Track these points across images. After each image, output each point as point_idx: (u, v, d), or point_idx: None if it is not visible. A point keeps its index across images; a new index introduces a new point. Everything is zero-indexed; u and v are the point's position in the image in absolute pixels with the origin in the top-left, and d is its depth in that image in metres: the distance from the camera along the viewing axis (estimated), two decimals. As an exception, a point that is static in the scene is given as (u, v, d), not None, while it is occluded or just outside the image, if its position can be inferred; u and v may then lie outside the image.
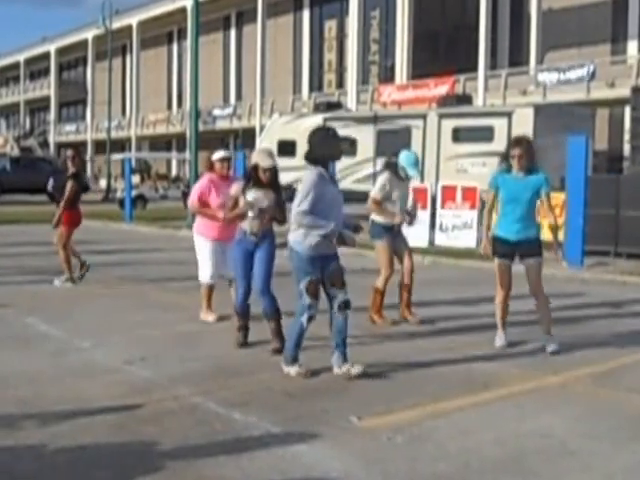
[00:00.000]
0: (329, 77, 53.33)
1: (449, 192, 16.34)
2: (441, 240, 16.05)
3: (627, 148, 20.57)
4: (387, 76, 47.29)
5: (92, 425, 4.88)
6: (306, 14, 54.55)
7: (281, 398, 5.51)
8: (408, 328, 8.04)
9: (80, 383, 5.89)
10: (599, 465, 4.41)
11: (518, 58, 44.06)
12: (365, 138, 22.47)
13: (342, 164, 18.22)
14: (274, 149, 23.50)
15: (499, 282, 7.17)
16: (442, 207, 16.35)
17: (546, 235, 14.27)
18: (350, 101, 43.46)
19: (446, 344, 7.31)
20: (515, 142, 7.20)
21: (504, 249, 7.07)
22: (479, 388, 5.80)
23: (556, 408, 5.39)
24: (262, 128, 39.46)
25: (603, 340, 7.55)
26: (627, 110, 26.36)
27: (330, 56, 53.30)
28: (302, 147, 22.74)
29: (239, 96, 59.67)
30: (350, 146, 21.22)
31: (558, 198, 14.55)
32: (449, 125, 21.36)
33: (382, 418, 5.08)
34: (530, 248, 7.04)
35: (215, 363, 6.53)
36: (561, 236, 13.57)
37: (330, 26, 53.03)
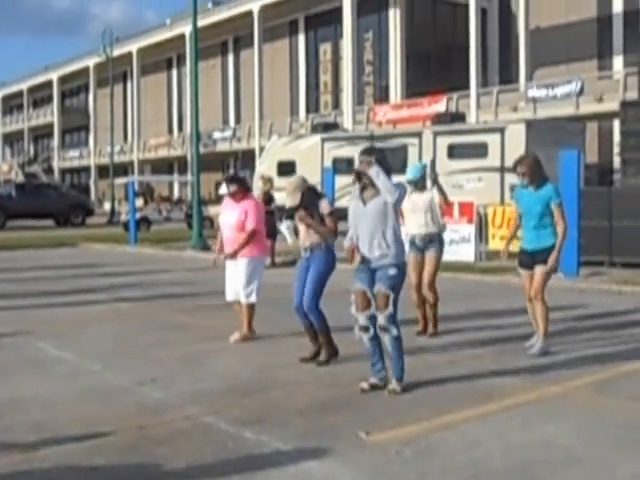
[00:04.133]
0: (325, 98, 53.53)
1: (447, 208, 16.32)
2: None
3: (617, 161, 20.62)
4: (382, 96, 47.50)
5: (105, 447, 4.83)
6: (301, 38, 54.85)
7: (291, 415, 5.46)
8: (414, 342, 8.03)
9: (92, 405, 5.85)
10: (605, 473, 4.37)
11: (508, 75, 44.31)
12: (361, 156, 22.46)
13: (341, 183, 18.26)
14: (274, 170, 23.60)
15: (526, 289, 7.47)
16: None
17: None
18: (346, 121, 43.60)
19: (450, 358, 7.29)
20: (518, 160, 7.48)
21: (524, 258, 7.41)
22: (483, 400, 5.77)
23: (559, 418, 5.37)
24: (261, 149, 39.57)
25: (602, 349, 7.53)
26: (616, 124, 26.45)
27: (326, 78, 53.53)
28: (301, 167, 23.06)
29: (238, 119, 59.87)
30: (348, 165, 21.25)
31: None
32: (444, 142, 21.44)
33: (390, 432, 5.04)
34: (542, 257, 7.22)
35: (226, 382, 6.50)
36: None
37: (325, 49, 53.30)
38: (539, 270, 7.21)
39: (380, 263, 5.92)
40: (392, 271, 5.90)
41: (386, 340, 5.93)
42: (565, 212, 7.40)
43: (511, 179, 19.79)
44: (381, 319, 5.87)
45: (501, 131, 20.55)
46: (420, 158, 21.10)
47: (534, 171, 7.22)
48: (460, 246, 15.76)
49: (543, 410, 5.56)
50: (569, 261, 13.05)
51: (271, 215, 13.13)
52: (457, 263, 14.72)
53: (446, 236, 15.84)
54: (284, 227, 7.33)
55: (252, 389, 6.26)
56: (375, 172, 5.85)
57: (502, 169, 19.67)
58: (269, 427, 5.17)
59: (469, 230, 15.77)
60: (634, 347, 7.64)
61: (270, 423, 5.27)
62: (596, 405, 5.74)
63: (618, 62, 39.89)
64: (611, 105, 28.10)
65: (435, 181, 8.61)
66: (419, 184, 8.39)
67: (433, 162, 20.42)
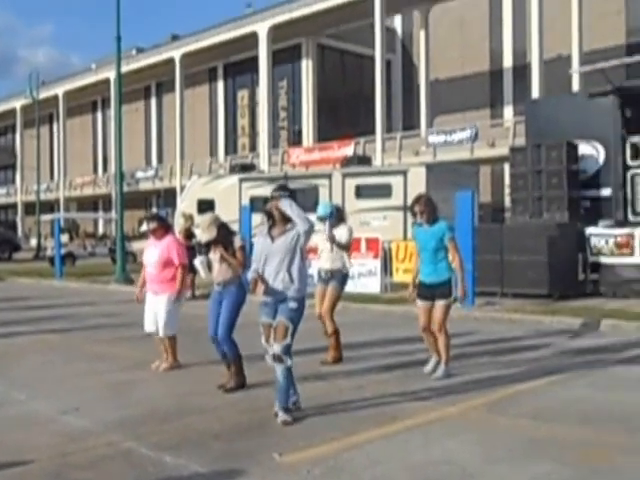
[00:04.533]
0: (243, 141, 53.60)
1: (355, 243, 16.44)
2: (349, 287, 16.14)
3: (508, 200, 21.26)
4: (295, 140, 47.87)
5: (29, 474, 4.71)
6: (220, 84, 54.92)
7: (208, 439, 5.42)
8: (325, 369, 8.08)
9: (17, 434, 5.69)
10: (496, 486, 4.52)
11: (410, 122, 45.32)
12: (277, 196, 22.53)
13: (257, 220, 18.23)
14: (194, 207, 23.42)
15: (420, 320, 7.51)
16: (348, 257, 16.52)
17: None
18: (263, 163, 43.75)
19: (358, 382, 7.34)
20: (415, 200, 7.60)
21: (423, 291, 7.47)
22: (388, 421, 5.85)
23: (456, 435, 5.48)
24: (182, 188, 39.25)
25: (494, 372, 7.71)
26: (506, 167, 27.25)
27: (243, 122, 53.63)
28: (220, 205, 22.95)
29: (160, 159, 59.26)
30: (264, 204, 21.21)
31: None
32: (352, 183, 21.71)
33: (302, 453, 5.06)
34: (440, 290, 7.34)
35: (147, 409, 6.39)
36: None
37: (243, 95, 53.48)
38: (440, 304, 7.32)
39: (283, 296, 5.93)
40: (293, 304, 5.92)
41: (278, 370, 5.88)
42: (458, 246, 7.61)
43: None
44: (277, 349, 5.85)
45: (404, 173, 20.96)
46: (330, 198, 21.30)
47: (428, 210, 7.39)
48: (367, 279, 15.96)
49: (442, 429, 5.67)
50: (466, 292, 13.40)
51: (192, 250, 13.06)
52: (365, 295, 14.90)
53: (354, 270, 16.24)
54: (198, 262, 7.31)
55: (172, 415, 6.18)
56: (287, 204, 5.91)
57: (405, 208, 20.03)
58: (187, 451, 5.13)
59: (375, 264, 16.00)
60: (522, 370, 7.84)
61: (188, 447, 5.23)
62: (489, 423, 5.87)
63: (508, 111, 41.30)
64: (502, 150, 28.89)
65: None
66: (331, 221, 8.50)
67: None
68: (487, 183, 34.82)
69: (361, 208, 20.91)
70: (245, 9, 49.79)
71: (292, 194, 6.19)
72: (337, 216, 8.62)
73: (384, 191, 20.90)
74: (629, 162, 14.71)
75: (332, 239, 8.34)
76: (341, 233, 8.44)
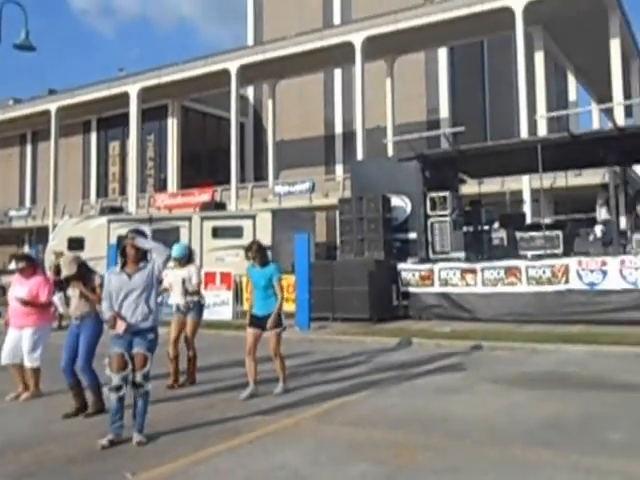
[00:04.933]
0: (113, 186, 51.61)
1: (210, 277, 16.32)
2: (205, 315, 15.77)
3: (338, 241, 21.80)
4: (161, 186, 46.76)
5: None
6: (94, 136, 52.75)
7: (65, 464, 5.00)
8: (177, 391, 7.82)
9: None
10: (322, 486, 4.52)
11: (260, 174, 45.58)
12: (142, 235, 21.88)
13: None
14: (65, 245, 22.25)
15: (247, 344, 7.33)
16: (204, 288, 16.24)
17: (289, 307, 14.76)
18: (131, 206, 42.30)
19: (208, 402, 7.14)
20: (248, 247, 7.56)
21: (254, 321, 7.38)
22: (232, 435, 5.70)
23: (291, 444, 5.44)
24: (54, 227, 37.18)
25: (325, 387, 7.74)
26: (337, 214, 27.94)
27: (114, 169, 51.70)
28: (90, 243, 21.95)
29: (34, 200, 55.75)
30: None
31: (290, 279, 15.08)
32: (209, 225, 21.47)
33: (153, 471, 4.80)
34: (271, 321, 7.28)
35: (5, 438, 5.81)
36: (293, 307, 14.09)
37: (114, 146, 51.64)
38: (272, 333, 7.32)
39: (140, 327, 5.65)
40: (150, 335, 5.70)
41: (139, 395, 5.59)
42: (283, 286, 7.67)
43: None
44: (138, 377, 5.57)
45: (253, 217, 21.00)
46: (190, 238, 20.94)
47: (259, 255, 7.42)
48: (221, 307, 15.78)
49: (279, 439, 5.61)
50: (302, 317, 13.52)
51: (61, 284, 12.35)
52: (219, 321, 14.68)
53: (210, 300, 15.98)
54: (56, 298, 6.91)
55: (30, 443, 5.63)
56: (143, 240, 5.74)
57: (254, 247, 20.06)
58: (43, 477, 4.74)
59: (228, 295, 15.85)
60: (347, 384, 7.91)
61: (44, 473, 4.82)
62: (318, 431, 5.87)
63: (339, 169, 42.58)
64: (334, 200, 29.43)
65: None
66: (182, 261, 8.34)
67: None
68: (323, 226, 35.49)
69: (217, 246, 20.69)
70: (118, 72, 48.54)
71: (143, 233, 6.02)
72: (188, 258, 8.45)
73: (236, 232, 20.79)
74: (429, 212, 15.49)
75: (184, 280, 8.18)
76: (191, 273, 8.28)
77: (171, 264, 7.99)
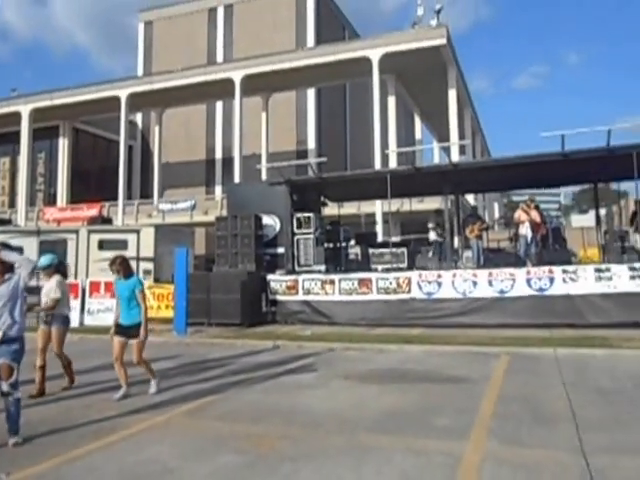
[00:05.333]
0: (2, 199, 47.65)
1: (95, 286, 15.49)
2: (89, 321, 15.03)
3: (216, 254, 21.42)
4: (51, 200, 43.86)
5: None
6: (-16, 151, 48.69)
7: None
8: (56, 392, 7.28)
9: None
10: (188, 475, 4.35)
11: (147, 192, 44.03)
12: (29, 247, 20.31)
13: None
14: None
15: (114, 352, 7.01)
16: (90, 296, 15.42)
17: (168, 314, 14.27)
18: (20, 218, 39.29)
19: (86, 402, 6.73)
20: (112, 261, 7.14)
21: (119, 330, 7.04)
22: (107, 433, 5.41)
23: (162, 439, 5.24)
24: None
25: (197, 385, 7.53)
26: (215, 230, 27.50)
27: (4, 183, 47.80)
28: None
29: None
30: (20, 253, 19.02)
31: (170, 288, 14.62)
32: (95, 238, 20.39)
33: (28, 470, 4.46)
34: (133, 331, 6.98)
35: None
36: (171, 314, 13.67)
37: (4, 161, 47.76)
38: (136, 342, 6.98)
39: (6, 337, 5.22)
40: (15, 346, 5.26)
41: (9, 402, 5.18)
42: (146, 297, 7.28)
43: (144, 265, 19.53)
44: (5, 387, 5.15)
45: (137, 232, 20.20)
46: (77, 249, 19.78)
47: (123, 268, 7.08)
48: (105, 314, 14.96)
49: (151, 435, 5.38)
50: (180, 323, 13.12)
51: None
52: (102, 327, 13.86)
53: (94, 307, 15.18)
54: None
55: None
56: (8, 254, 5.37)
57: (138, 259, 19.27)
58: None
59: (112, 302, 15.02)
60: (217, 382, 7.74)
61: None
62: (188, 427, 5.69)
63: (218, 189, 42.09)
64: (213, 217, 29.03)
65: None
66: (48, 271, 7.68)
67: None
68: (203, 240, 34.81)
69: (102, 258, 19.57)
70: (11, 92, 45.06)
71: (11, 248, 5.62)
72: (55, 268, 7.68)
73: (122, 245, 19.87)
74: (295, 230, 15.65)
75: (48, 292, 7.48)
76: (52, 286, 7.50)
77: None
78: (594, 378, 7.50)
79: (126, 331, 6.99)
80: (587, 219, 28.80)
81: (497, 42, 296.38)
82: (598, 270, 12.10)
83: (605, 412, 5.85)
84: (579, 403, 6.18)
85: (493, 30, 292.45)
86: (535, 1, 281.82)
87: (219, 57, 44.83)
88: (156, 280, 17.78)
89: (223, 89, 36.17)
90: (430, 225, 17.10)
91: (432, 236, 16.75)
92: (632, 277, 11.73)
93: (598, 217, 15.84)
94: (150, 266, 19.01)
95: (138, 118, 48.67)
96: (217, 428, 5.59)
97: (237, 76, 34.81)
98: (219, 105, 43.94)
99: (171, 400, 6.73)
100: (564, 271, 12.32)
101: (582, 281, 12.10)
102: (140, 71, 47.65)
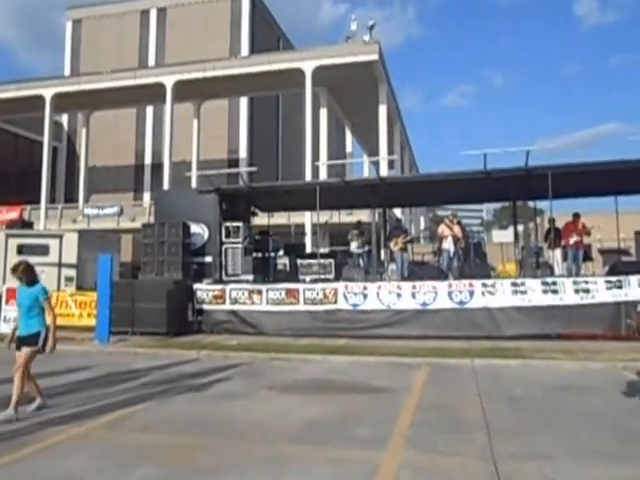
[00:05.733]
0: None
1: (12, 293, 14.73)
2: (5, 329, 14.29)
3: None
4: (-33, 202, 41.50)
5: None
6: None
7: None
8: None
9: None
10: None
11: (72, 196, 42.39)
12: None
13: None
14: None
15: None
16: (7, 304, 14.70)
17: (91, 322, 13.79)
18: None
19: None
20: (14, 267, 6.67)
21: (17, 342, 6.55)
22: (20, 447, 5.19)
23: (79, 452, 5.09)
24: None
25: (118, 396, 7.34)
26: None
27: None
28: None
29: None
30: None
31: (93, 296, 14.17)
32: (14, 242, 19.42)
33: None
34: (29, 341, 6.48)
35: None
36: (94, 322, 13.25)
37: None
38: (25, 351, 6.42)
39: None
40: None
41: None
42: (52, 305, 6.77)
43: (66, 272, 18.78)
44: None
45: (60, 237, 19.39)
46: (-7, 254, 18.80)
47: (26, 275, 6.63)
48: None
49: (67, 448, 5.22)
50: (102, 331, 12.73)
51: None
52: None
53: (11, 314, 14.44)
54: None
55: None
56: None
57: (60, 265, 18.53)
58: None
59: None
60: (139, 393, 7.59)
61: None
62: (106, 439, 5.56)
63: (147, 196, 41.09)
64: (140, 224, 28.51)
65: None
66: None
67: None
68: (130, 247, 33.86)
69: (21, 263, 18.74)
70: None
71: None
72: None
73: (43, 250, 19.03)
74: (224, 239, 15.53)
75: None
76: None
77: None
78: (507, 387, 7.88)
79: (22, 342, 6.49)
80: (506, 235, 30.15)
81: (428, 60, 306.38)
82: (514, 284, 12.71)
83: (515, 420, 6.16)
84: (492, 411, 6.48)
85: (424, 48, 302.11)
86: (464, 22, 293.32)
87: (151, 61, 43.94)
88: (79, 287, 17.16)
89: (154, 93, 35.47)
90: (349, 236, 17.36)
91: (353, 247, 17.01)
92: (544, 291, 12.40)
93: (516, 233, 16.64)
94: (73, 273, 18.29)
95: (64, 119, 46.90)
96: (137, 440, 5.48)
97: (169, 81, 34.25)
98: (149, 110, 43.02)
99: (90, 411, 6.53)
100: (483, 285, 12.85)
101: (500, 295, 12.67)
102: (67, 71, 45.99)
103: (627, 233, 15.57)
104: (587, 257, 15.49)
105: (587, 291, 12.16)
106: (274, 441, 5.43)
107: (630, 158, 12.97)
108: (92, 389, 7.73)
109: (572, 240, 14.86)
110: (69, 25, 47.72)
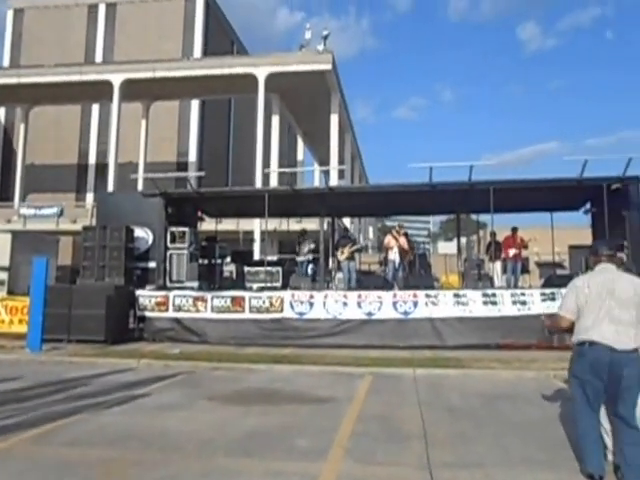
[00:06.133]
0: None
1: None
2: None
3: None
4: None
5: None
6: None
7: None
8: None
9: None
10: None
11: (7, 194, 40.84)
12: None
13: None
14: None
15: None
16: None
17: (22, 329, 13.27)
18: None
19: None
20: None
21: None
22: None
23: (2, 468, 4.86)
24: None
25: (47, 408, 7.03)
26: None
27: None
28: None
29: None
30: None
31: (25, 301, 13.64)
32: None
33: None
34: None
35: None
36: (25, 329, 12.74)
37: None
38: None
39: None
40: None
41: None
42: None
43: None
44: None
45: (-9, 238, 18.58)
46: None
47: None
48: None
49: (-11, 462, 4.98)
50: (35, 339, 12.25)
51: None
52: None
53: None
54: None
55: None
56: None
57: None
58: None
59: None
60: (71, 405, 7.29)
61: None
62: (33, 453, 5.32)
63: (90, 197, 40.02)
64: (81, 226, 27.74)
65: None
66: None
67: None
68: (69, 250, 32.89)
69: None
70: None
71: None
72: None
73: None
74: (169, 244, 15.30)
75: None
76: None
77: None
78: (446, 396, 8.04)
79: None
80: (452, 247, 30.82)
81: (381, 72, 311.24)
82: (456, 295, 13.01)
83: (453, 429, 6.29)
84: (431, 421, 6.59)
85: (378, 60, 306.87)
86: (416, 37, 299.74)
87: (98, 58, 42.96)
88: (10, 292, 16.47)
89: (101, 91, 34.67)
90: (297, 244, 17.36)
91: (300, 256, 17.02)
92: (485, 302, 12.75)
93: (459, 246, 17.05)
94: (4, 276, 17.55)
95: (1, 113, 45.26)
96: (66, 455, 5.28)
97: (117, 79, 33.55)
98: (95, 108, 42.00)
99: (16, 425, 6.24)
100: (427, 295, 13.10)
101: (442, 305, 12.94)
102: (6, 62, 44.39)
103: (562, 247, 16.26)
104: (525, 269, 16.07)
105: (524, 303, 12.59)
106: (212, 454, 5.35)
107: (564, 176, 13.56)
108: (20, 401, 7.42)
109: (511, 253, 15.38)
110: (10, 14, 46.14)
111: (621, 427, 4.37)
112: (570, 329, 4.66)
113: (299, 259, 16.85)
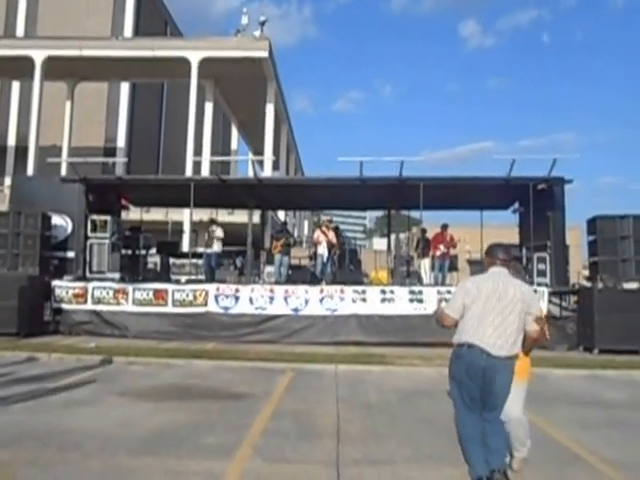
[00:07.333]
0: None
1: None
2: None
3: None
4: None
5: None
6: None
7: None
8: None
9: None
10: None
11: None
12: None
13: None
14: None
15: None
16: None
17: None
18: None
19: None
20: None
21: None
22: None
23: None
24: None
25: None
26: None
27: None
28: None
29: None
30: None
31: None
32: None
33: None
34: None
35: None
36: None
37: None
38: None
39: None
40: None
41: None
42: None
43: None
44: None
45: None
46: None
47: None
48: None
49: None
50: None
51: None
52: None
53: None
54: None
55: None
56: None
57: None
58: None
59: None
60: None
61: None
62: None
63: (8, 180, 38.12)
64: None
65: None
66: None
67: None
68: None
69: None
70: None
71: None
72: None
73: None
74: (89, 233, 14.86)
75: None
76: None
77: None
78: (365, 393, 8.19)
79: None
80: (385, 243, 31.35)
81: (321, 63, 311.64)
82: (383, 292, 13.26)
83: (366, 426, 6.41)
84: (346, 418, 6.70)
85: (318, 50, 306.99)
86: (357, 29, 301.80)
87: (19, 31, 40.96)
88: None
89: (21, 68, 33.03)
90: (206, 237, 16.93)
91: (215, 247, 16.65)
92: (411, 300, 13.05)
93: (389, 242, 17.36)
94: None
95: None
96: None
97: (39, 56, 32.08)
98: (15, 85, 40.06)
99: None
100: (354, 291, 13.28)
101: (369, 302, 13.15)
102: None
103: (492, 246, 16.77)
104: (453, 267, 16.52)
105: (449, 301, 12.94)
106: (113, 453, 5.24)
107: (492, 175, 14.01)
108: None
109: (439, 251, 15.78)
110: None
111: (486, 423, 4.45)
112: (454, 327, 4.76)
113: (208, 251, 16.42)
